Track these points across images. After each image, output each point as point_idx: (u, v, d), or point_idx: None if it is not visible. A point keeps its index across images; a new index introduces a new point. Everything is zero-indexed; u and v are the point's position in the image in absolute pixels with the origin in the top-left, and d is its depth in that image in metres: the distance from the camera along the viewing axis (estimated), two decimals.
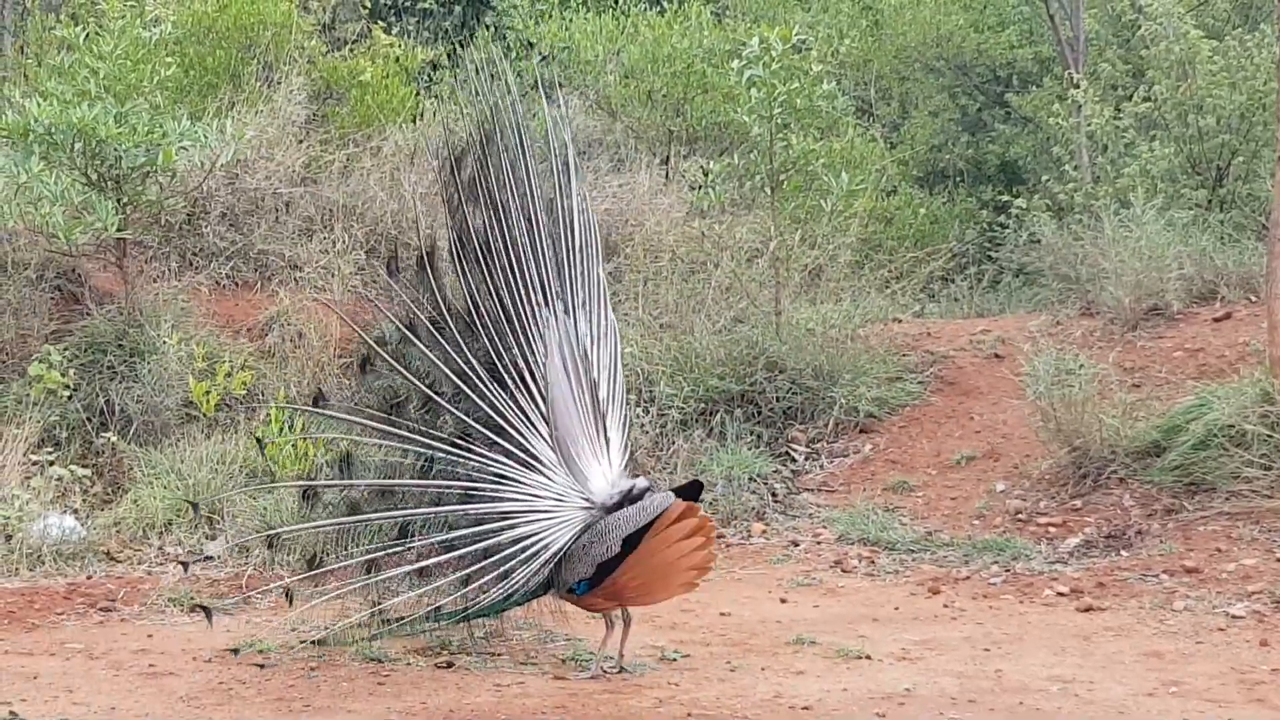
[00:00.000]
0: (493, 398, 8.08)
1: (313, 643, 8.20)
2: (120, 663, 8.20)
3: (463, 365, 8.13)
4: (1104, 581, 9.71)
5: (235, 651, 8.30)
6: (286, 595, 8.39)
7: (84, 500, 10.90)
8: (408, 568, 7.93)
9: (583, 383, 8.19)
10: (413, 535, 8.01)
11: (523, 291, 8.31)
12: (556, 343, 8.22)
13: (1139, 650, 8.39)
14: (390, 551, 7.95)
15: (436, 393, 8.12)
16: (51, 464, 10.89)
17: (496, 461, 8.01)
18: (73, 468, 10.93)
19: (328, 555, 8.04)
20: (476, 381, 8.10)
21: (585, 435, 8.07)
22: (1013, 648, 8.47)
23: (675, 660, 8.25)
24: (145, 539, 10.57)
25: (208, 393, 10.97)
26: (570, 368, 8.18)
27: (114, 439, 11.28)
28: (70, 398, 11.49)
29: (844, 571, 10.42)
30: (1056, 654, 8.32)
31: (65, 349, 11.70)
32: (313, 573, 8.04)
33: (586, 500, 7.93)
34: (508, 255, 8.33)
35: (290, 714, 7.30)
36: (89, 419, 11.54)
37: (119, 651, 8.43)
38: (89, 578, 10.01)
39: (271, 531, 8.36)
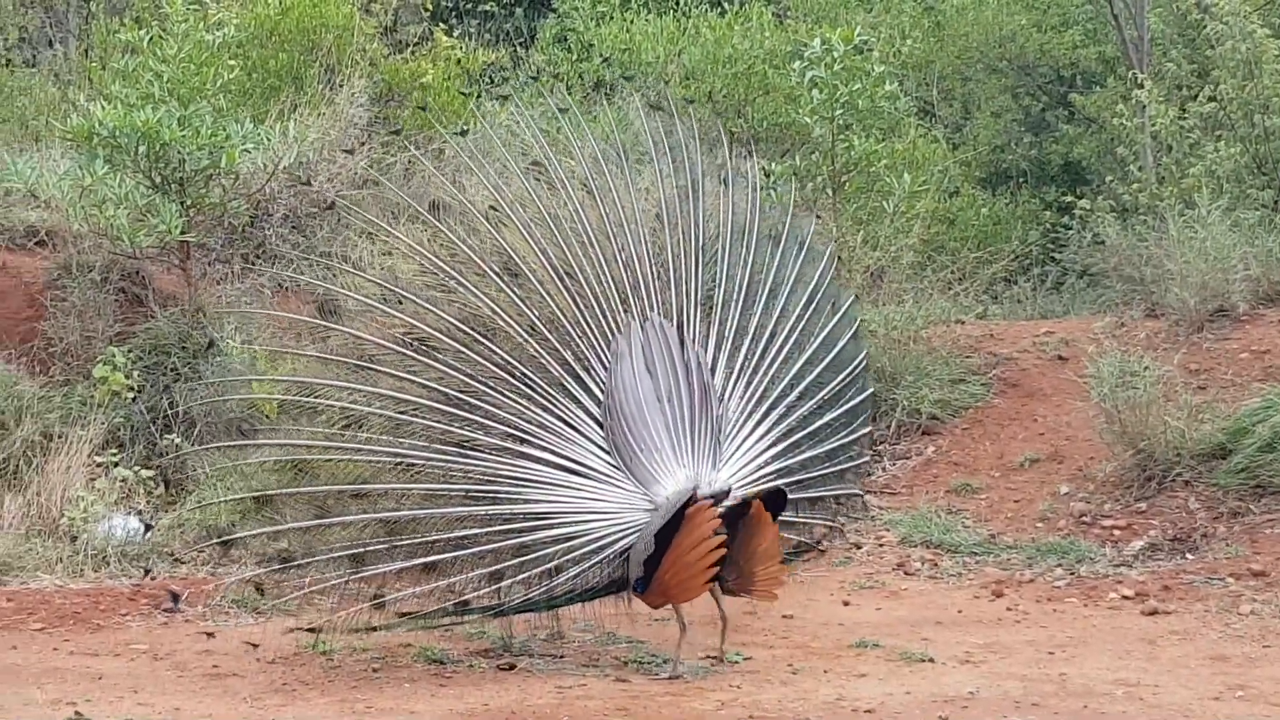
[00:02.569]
0: (502, 408, 8.16)
1: (308, 629, 8.31)
2: (184, 663, 8.24)
3: (437, 385, 8.22)
4: (1169, 585, 9.65)
5: (210, 635, 8.50)
6: (257, 589, 8.48)
7: (148, 501, 10.95)
8: (403, 563, 8.02)
9: (679, 388, 8.22)
10: (403, 533, 8.08)
11: (577, 304, 8.38)
12: (639, 349, 8.27)
13: (1204, 654, 8.34)
14: (374, 548, 8.02)
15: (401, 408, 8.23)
16: (116, 465, 10.94)
17: (516, 466, 8.08)
18: (137, 469, 10.99)
19: (297, 552, 8.12)
20: (468, 397, 8.18)
21: (671, 440, 8.08)
22: (1077, 651, 8.42)
23: (737, 663, 8.24)
24: (208, 540, 10.61)
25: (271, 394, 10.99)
26: (660, 374, 8.22)
27: (177, 440, 11.33)
28: (134, 399, 11.54)
29: (907, 574, 10.38)
30: (1121, 657, 8.28)
31: (129, 351, 11.74)
32: (284, 566, 8.12)
33: (652, 504, 7.93)
34: (551, 271, 8.44)
35: (354, 715, 7.32)
36: (153, 421, 11.59)
37: (183, 652, 8.47)
38: (153, 579, 10.06)
39: (225, 539, 8.43)
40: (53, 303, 12.22)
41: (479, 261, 8.51)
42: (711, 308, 8.67)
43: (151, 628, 9.10)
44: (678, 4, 18.04)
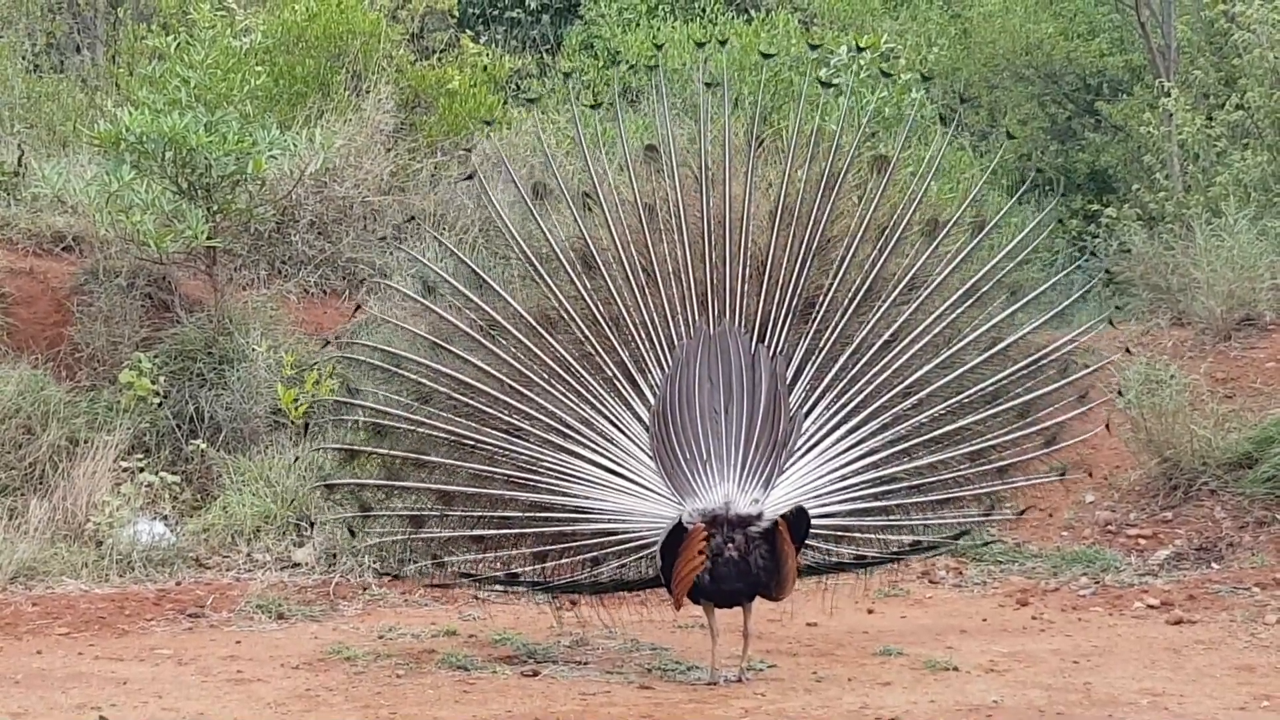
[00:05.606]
0: (549, 402, 8.21)
1: (388, 574, 8.95)
2: (208, 669, 8.25)
3: (492, 370, 8.31)
4: (1194, 594, 9.63)
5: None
6: (349, 530, 8.92)
7: (174, 507, 10.98)
8: (453, 532, 8.38)
9: (739, 401, 8.13)
10: (455, 505, 8.40)
11: (647, 302, 8.32)
12: (703, 357, 8.20)
13: (1230, 664, 8.31)
14: (429, 514, 8.43)
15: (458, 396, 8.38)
16: (142, 471, 10.96)
17: (558, 459, 8.14)
18: (163, 474, 11.01)
19: (376, 505, 8.52)
20: (519, 386, 8.25)
21: (719, 454, 8.01)
22: (1102, 660, 8.40)
23: (762, 670, 8.23)
24: (234, 545, 10.64)
25: (296, 400, 11.02)
26: (721, 384, 8.15)
27: (203, 446, 11.35)
28: (160, 405, 11.56)
29: (931, 582, 10.37)
30: (1146, 667, 8.26)
31: (155, 356, 11.77)
32: (363, 515, 8.54)
33: (679, 517, 7.86)
34: (628, 266, 8.39)
35: None
36: (179, 426, 11.62)
37: (207, 658, 8.48)
38: (178, 584, 10.08)
39: (328, 483, 8.75)
40: (79, 308, 12.25)
41: (557, 252, 8.46)
42: (812, 313, 8.36)
43: (176, 633, 9.12)
44: (704, 11, 18.06)
